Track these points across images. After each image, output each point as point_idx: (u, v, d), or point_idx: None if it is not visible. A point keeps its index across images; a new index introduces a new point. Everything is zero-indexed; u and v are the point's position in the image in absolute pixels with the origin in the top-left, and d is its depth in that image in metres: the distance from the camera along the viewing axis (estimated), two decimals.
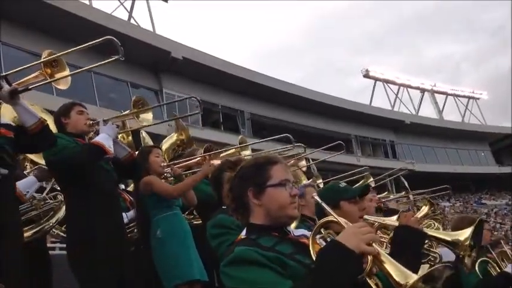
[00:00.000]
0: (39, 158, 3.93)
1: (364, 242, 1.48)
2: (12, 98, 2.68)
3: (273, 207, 1.77)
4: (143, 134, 5.23)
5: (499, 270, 3.69)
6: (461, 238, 2.72)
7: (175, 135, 5.50)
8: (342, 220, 1.67)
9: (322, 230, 1.72)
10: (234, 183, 1.86)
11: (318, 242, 1.67)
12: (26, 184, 3.48)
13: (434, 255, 2.87)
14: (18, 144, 2.82)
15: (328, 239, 1.65)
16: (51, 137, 2.93)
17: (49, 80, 3.15)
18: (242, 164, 1.94)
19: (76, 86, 20.70)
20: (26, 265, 2.72)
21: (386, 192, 7.09)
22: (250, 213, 1.82)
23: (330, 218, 1.72)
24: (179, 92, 24.85)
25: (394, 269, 1.50)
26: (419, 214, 4.82)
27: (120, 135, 3.96)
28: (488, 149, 45.94)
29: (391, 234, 2.55)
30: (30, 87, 2.93)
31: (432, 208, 5.22)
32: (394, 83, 44.38)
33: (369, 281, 1.56)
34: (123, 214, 3.81)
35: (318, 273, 1.47)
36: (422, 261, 2.85)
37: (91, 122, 3.33)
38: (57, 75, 3.24)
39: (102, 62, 3.19)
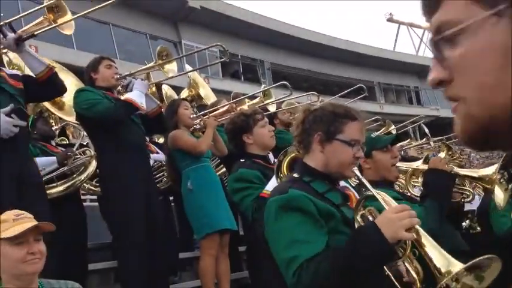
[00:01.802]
0: (65, 115, 3.98)
1: (403, 228, 1.47)
2: (18, 45, 2.67)
3: (332, 161, 1.77)
4: (165, 87, 5.23)
5: None
6: (489, 172, 2.74)
7: (187, 91, 5.52)
8: (381, 198, 1.64)
9: (362, 208, 1.69)
10: (309, 119, 1.84)
11: (358, 220, 1.65)
12: (46, 162, 3.50)
13: (467, 192, 2.92)
14: (27, 94, 2.81)
15: (370, 217, 1.64)
16: (61, 85, 2.93)
17: (53, 25, 3.09)
18: (323, 104, 1.92)
19: (95, 39, 20.68)
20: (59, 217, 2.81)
21: (408, 140, 7.02)
22: (309, 153, 1.82)
23: (369, 193, 1.70)
24: (198, 43, 24.51)
25: (436, 254, 1.45)
26: None
27: None
28: None
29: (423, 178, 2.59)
30: (35, 33, 2.89)
31: (450, 152, 5.20)
32: (419, 26, 42.84)
33: (406, 265, 1.57)
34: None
35: (349, 253, 1.50)
36: (456, 200, 2.92)
37: (119, 76, 3.36)
38: (60, 21, 3.17)
39: (100, 6, 3.16)
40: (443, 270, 1.39)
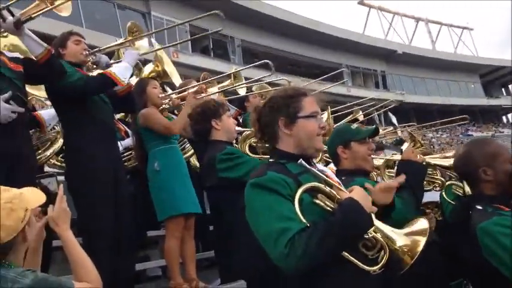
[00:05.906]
0: (33, 89, 3.88)
1: (370, 202, 1.72)
2: (17, 28, 2.72)
3: (303, 138, 1.86)
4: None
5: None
6: None
7: (152, 66, 5.40)
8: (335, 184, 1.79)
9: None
10: (264, 113, 1.91)
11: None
12: (50, 115, 3.54)
13: (438, 181, 3.02)
14: (27, 77, 2.87)
15: (327, 202, 1.73)
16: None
17: (50, 7, 3.05)
18: (272, 94, 2.00)
19: None
20: None
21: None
22: (278, 141, 1.90)
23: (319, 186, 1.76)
24: (167, 16, 24.05)
25: (384, 226, 1.78)
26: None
27: None
28: (479, 81, 46.02)
29: (395, 169, 2.69)
30: (33, 15, 2.88)
31: (413, 143, 5.43)
32: (388, 11, 43.34)
33: (375, 234, 1.75)
34: (118, 142, 3.84)
35: (339, 223, 1.62)
36: (429, 187, 3.04)
37: (88, 52, 3.30)
38: (57, 2, 3.11)
39: None
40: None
